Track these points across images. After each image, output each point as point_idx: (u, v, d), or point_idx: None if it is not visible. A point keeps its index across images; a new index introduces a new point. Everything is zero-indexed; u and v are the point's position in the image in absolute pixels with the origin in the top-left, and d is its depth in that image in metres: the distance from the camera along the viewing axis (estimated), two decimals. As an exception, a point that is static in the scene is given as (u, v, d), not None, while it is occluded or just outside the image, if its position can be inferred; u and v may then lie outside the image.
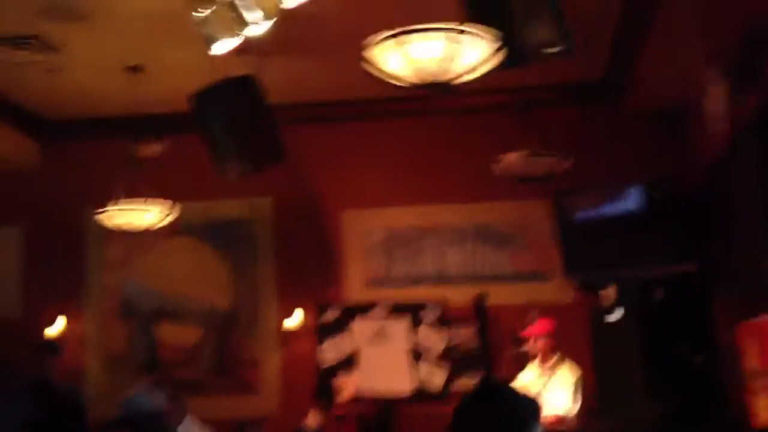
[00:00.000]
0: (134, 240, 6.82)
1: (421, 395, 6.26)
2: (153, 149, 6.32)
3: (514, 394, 1.84)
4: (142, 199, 5.94)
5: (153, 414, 3.97)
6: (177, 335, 7.20)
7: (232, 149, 5.23)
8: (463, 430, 1.81)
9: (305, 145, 6.81)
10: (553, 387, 5.43)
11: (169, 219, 6.06)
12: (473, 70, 3.19)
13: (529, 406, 1.82)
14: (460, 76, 3.20)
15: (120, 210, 5.89)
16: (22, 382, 4.49)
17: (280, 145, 5.25)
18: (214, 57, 4.00)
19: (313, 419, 6.02)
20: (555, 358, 5.52)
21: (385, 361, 6.35)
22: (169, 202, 6.01)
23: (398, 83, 3.36)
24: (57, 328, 7.16)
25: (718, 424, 5.36)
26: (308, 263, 7.04)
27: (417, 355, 6.41)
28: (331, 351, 6.41)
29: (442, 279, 6.87)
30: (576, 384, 5.37)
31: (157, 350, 7.20)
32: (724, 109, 4.90)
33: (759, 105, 4.40)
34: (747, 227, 5.08)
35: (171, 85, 5.80)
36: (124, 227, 6.00)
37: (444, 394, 6.21)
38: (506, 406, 1.80)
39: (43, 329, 7.10)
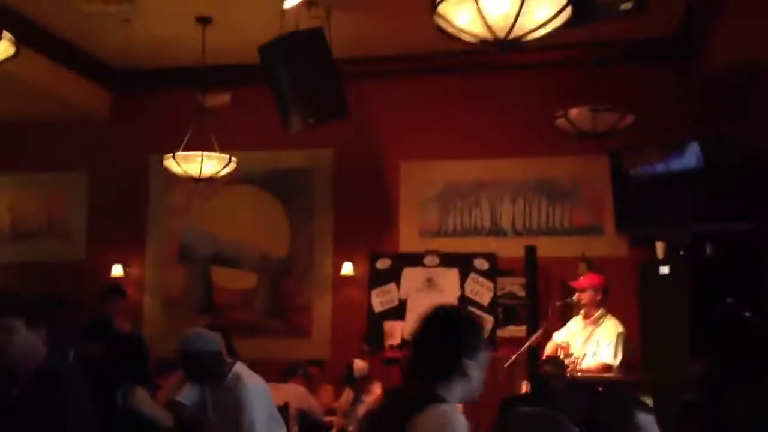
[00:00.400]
0: (196, 187, 7.05)
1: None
2: (221, 99, 6.47)
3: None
4: (207, 148, 6.10)
5: (210, 353, 4.09)
6: (233, 280, 7.46)
7: (297, 102, 5.36)
8: None
9: (367, 98, 6.92)
10: (595, 339, 5.50)
11: (231, 168, 6.22)
12: (543, 25, 3.16)
13: None
14: (531, 32, 3.19)
15: (185, 157, 6.06)
16: (86, 321, 4.68)
17: (343, 99, 5.34)
18: (283, 10, 4.09)
19: (362, 363, 6.23)
20: (600, 312, 5.55)
21: (434, 310, 6.49)
22: (232, 152, 6.17)
23: (467, 39, 3.26)
24: (119, 270, 7.46)
25: (762, 381, 5.45)
26: (365, 213, 7.23)
27: (465, 304, 6.55)
28: (381, 298, 6.58)
29: (495, 232, 7.04)
30: (618, 338, 5.39)
31: (213, 294, 7.47)
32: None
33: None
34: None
35: (240, 36, 5.92)
36: (188, 174, 6.14)
37: (490, 342, 6.36)
38: None
39: (107, 272, 7.41)
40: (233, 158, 6.14)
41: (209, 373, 4.12)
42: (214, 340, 4.17)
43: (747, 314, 4.61)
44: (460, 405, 2.37)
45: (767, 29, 5.23)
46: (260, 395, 4.15)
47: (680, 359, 5.31)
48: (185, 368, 4.17)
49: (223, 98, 6.45)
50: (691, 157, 6.07)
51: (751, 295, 5.44)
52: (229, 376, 4.10)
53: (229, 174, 6.39)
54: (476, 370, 2.35)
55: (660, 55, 6.66)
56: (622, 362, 5.39)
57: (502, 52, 3.38)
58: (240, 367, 4.17)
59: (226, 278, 7.49)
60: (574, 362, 5.30)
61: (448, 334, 2.39)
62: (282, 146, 7.16)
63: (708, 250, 6.00)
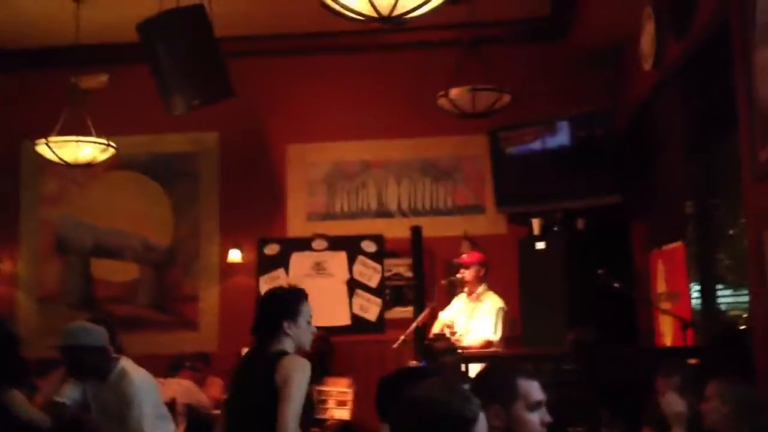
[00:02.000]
0: (72, 174, 6.80)
1: (357, 326, 6.51)
2: (97, 81, 6.24)
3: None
4: (83, 132, 5.86)
5: (95, 348, 3.93)
6: (113, 272, 7.21)
7: (179, 83, 5.21)
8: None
9: (252, 79, 6.83)
10: (478, 315, 5.68)
11: (110, 153, 6.00)
12: (426, 2, 3.27)
13: None
14: (414, 9, 3.26)
15: (60, 142, 5.79)
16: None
17: (228, 80, 5.25)
18: (163, -15, 3.99)
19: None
20: (482, 288, 5.73)
21: (323, 294, 6.54)
22: (111, 136, 5.96)
23: (350, 16, 3.28)
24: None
25: (629, 346, 5.80)
26: (251, 198, 7.14)
27: (354, 287, 6.62)
28: (270, 285, 6.54)
29: (382, 213, 7.12)
30: (498, 314, 5.58)
31: (93, 287, 7.21)
32: (655, 50, 5.20)
33: (687, 49, 4.67)
34: (667, 165, 5.48)
35: (116, 13, 5.70)
36: (63, 161, 5.87)
37: (379, 324, 6.47)
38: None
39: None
40: (112, 143, 5.94)
41: (94, 370, 3.95)
42: (99, 335, 3.97)
43: (617, 284, 4.88)
44: None
45: (628, 8, 5.50)
46: (147, 390, 4.02)
47: (558, 330, 5.59)
48: (67, 365, 3.98)
49: (100, 79, 6.21)
50: (562, 135, 6.37)
51: (620, 265, 5.77)
52: (114, 372, 3.94)
53: (108, 160, 6.15)
54: (296, 329, 3.27)
55: (535, 34, 6.88)
56: (502, 337, 5.60)
57: (382, 31, 3.41)
58: (125, 362, 4.00)
59: (106, 270, 7.23)
60: (458, 340, 5.47)
61: (269, 306, 3.35)
62: (164, 130, 6.98)
63: (580, 224, 6.32)
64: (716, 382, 3.15)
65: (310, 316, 3.35)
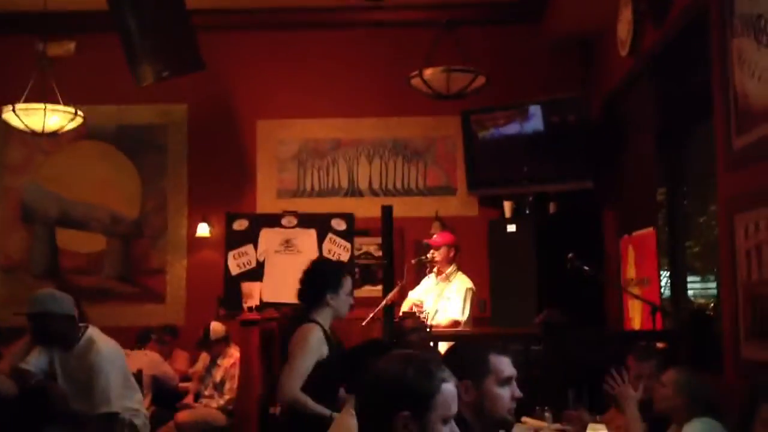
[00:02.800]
0: (38, 142, 6.66)
1: (326, 303, 6.49)
2: (64, 48, 6.10)
3: None
4: (50, 100, 5.74)
5: (64, 316, 3.94)
6: (80, 242, 7.12)
7: (148, 53, 5.14)
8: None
9: (223, 52, 6.78)
10: (446, 296, 5.69)
11: (77, 122, 5.88)
12: None
13: None
14: None
15: (27, 110, 5.65)
16: None
17: (198, 52, 5.18)
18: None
19: (218, 326, 6.13)
20: (451, 269, 5.74)
21: (292, 271, 6.49)
22: (78, 105, 5.83)
23: None
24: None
25: (598, 329, 5.87)
26: (220, 173, 7.08)
27: (322, 265, 6.59)
28: (238, 260, 6.49)
29: (352, 192, 7.11)
30: (466, 294, 5.60)
31: (58, 257, 7.11)
32: (631, 37, 5.21)
33: (664, 36, 4.69)
34: (640, 152, 5.52)
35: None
36: (30, 129, 5.73)
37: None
38: None
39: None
40: (79, 112, 5.82)
41: (61, 338, 3.96)
42: (68, 303, 3.99)
43: (586, 267, 4.91)
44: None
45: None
46: (115, 360, 4.03)
47: (527, 312, 5.64)
48: (34, 332, 3.97)
49: (67, 47, 6.08)
50: (535, 119, 6.38)
51: (591, 249, 5.82)
52: (82, 341, 3.96)
53: (75, 129, 6.04)
54: (337, 300, 3.62)
55: (511, 17, 6.88)
56: (470, 317, 5.63)
57: (357, 9, 3.36)
58: (93, 331, 4.02)
59: (72, 241, 7.13)
60: (425, 318, 5.49)
61: (315, 277, 3.70)
62: (132, 101, 6.88)
63: (551, 208, 6.36)
64: (674, 370, 3.20)
65: (351, 290, 3.70)
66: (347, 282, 3.68)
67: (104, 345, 3.99)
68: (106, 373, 3.91)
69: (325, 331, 3.59)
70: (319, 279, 3.67)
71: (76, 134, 6.47)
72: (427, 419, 1.77)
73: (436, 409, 1.78)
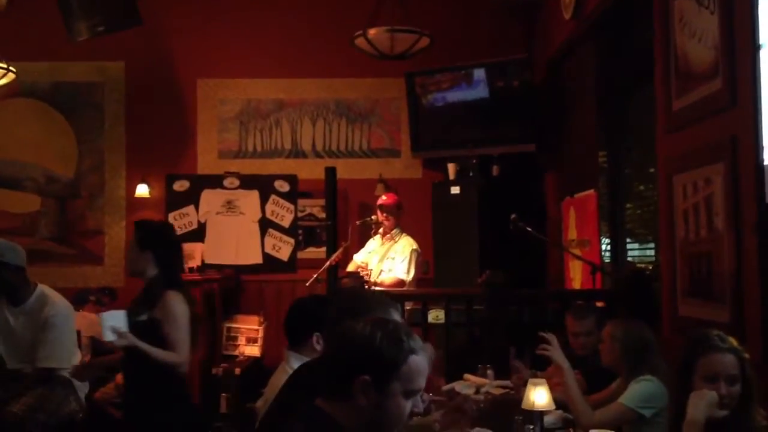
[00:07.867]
0: (-33, 100, 6.42)
1: (269, 264, 6.48)
2: (-5, 1, 5.85)
3: None
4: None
5: (15, 267, 3.91)
6: (13, 203, 6.91)
7: (83, 7, 4.97)
8: None
9: (162, 8, 6.59)
10: (391, 256, 5.74)
11: (9, 79, 5.65)
12: None
13: None
14: None
15: (-47, 66, 5.46)
16: None
17: (135, 7, 5.03)
18: None
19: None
20: (396, 230, 5.81)
21: (234, 232, 6.45)
22: (10, 62, 5.62)
23: None
24: None
25: (540, 289, 6.00)
26: (160, 133, 6.92)
27: (266, 226, 6.56)
28: (180, 221, 6.40)
29: (296, 153, 7.03)
30: (411, 255, 5.67)
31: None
32: (574, 2, 5.23)
33: (603, 2, 4.72)
34: (582, 115, 5.60)
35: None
36: (-43, 85, 5.57)
37: (291, 264, 6.45)
38: None
39: None
40: (11, 68, 5.60)
41: (12, 289, 3.90)
42: (22, 255, 3.96)
43: (528, 228, 4.99)
44: None
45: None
46: (69, 317, 4.06)
47: (470, 273, 5.72)
48: None
49: (-1, 0, 5.83)
50: (478, 82, 6.40)
51: (533, 211, 5.91)
52: (33, 297, 3.94)
53: (7, 86, 5.82)
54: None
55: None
56: (414, 278, 5.69)
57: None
58: (45, 288, 4.03)
59: (5, 201, 6.91)
60: (368, 274, 5.54)
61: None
62: (67, 57, 6.66)
63: (495, 171, 6.42)
64: (612, 323, 3.30)
65: None
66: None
67: (60, 302, 4.01)
68: (60, 330, 3.91)
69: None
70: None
71: (9, 91, 6.24)
72: (387, 388, 1.72)
73: (399, 380, 1.73)
